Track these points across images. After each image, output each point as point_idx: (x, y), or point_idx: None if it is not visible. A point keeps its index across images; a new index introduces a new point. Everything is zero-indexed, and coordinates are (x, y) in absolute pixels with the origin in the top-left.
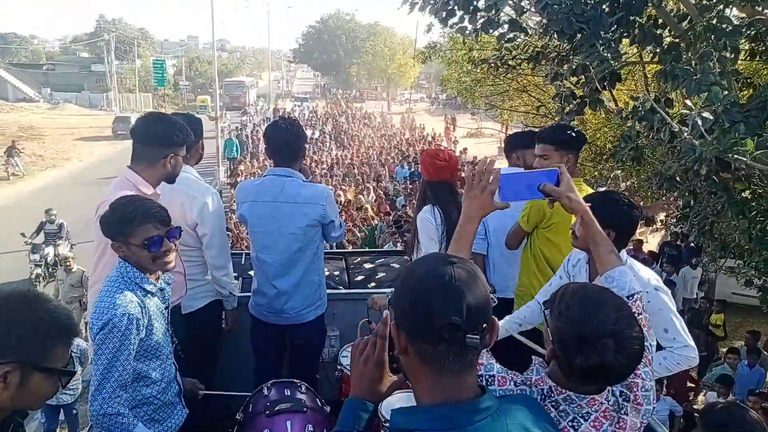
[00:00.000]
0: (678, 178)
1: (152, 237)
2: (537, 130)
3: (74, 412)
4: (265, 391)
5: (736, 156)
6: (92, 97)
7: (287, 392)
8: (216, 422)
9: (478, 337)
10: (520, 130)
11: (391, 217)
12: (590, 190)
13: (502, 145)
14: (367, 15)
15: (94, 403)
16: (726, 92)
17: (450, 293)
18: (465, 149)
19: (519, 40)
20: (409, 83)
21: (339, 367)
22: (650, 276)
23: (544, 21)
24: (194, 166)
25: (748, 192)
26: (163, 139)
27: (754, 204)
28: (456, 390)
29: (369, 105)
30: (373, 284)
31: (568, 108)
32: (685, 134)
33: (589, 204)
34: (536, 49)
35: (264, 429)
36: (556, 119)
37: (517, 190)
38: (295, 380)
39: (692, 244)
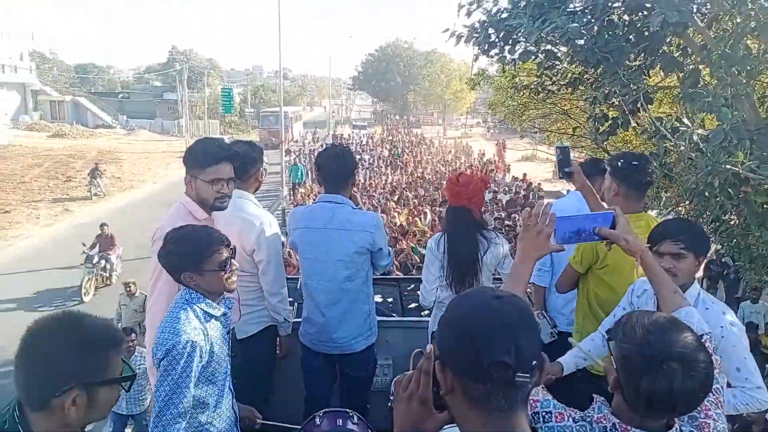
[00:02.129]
0: (707, 194)
1: (226, 258)
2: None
3: (144, 423)
4: (318, 421)
5: (728, 166)
6: (165, 123)
7: (339, 422)
8: None
9: (528, 375)
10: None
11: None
12: (657, 221)
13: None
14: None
15: (155, 429)
16: (735, 113)
17: (498, 330)
18: (525, 175)
19: (558, 66)
20: (464, 109)
21: (391, 397)
22: (725, 311)
23: (556, 51)
24: (254, 192)
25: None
26: (202, 160)
27: None
28: (505, 430)
29: (425, 130)
30: (426, 312)
31: (601, 129)
32: (681, 147)
33: (681, 239)
34: (574, 75)
35: None
36: (590, 140)
37: (572, 233)
38: (347, 410)
39: (732, 274)
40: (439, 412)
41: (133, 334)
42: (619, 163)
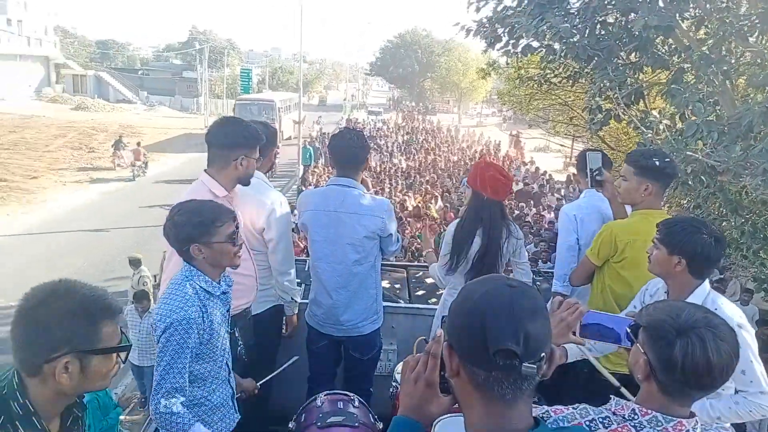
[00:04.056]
0: (690, 182)
1: (234, 231)
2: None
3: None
4: (318, 402)
5: (687, 152)
6: (184, 101)
7: (340, 405)
8: (270, 429)
9: (535, 366)
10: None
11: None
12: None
13: (567, 159)
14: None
15: (152, 401)
16: (709, 107)
17: (507, 318)
18: (537, 168)
19: (559, 61)
20: (480, 98)
21: (394, 383)
22: (734, 312)
23: (556, 46)
24: (267, 173)
25: (740, 192)
26: (233, 141)
27: (745, 202)
28: (508, 420)
29: (440, 118)
30: (434, 300)
31: (596, 119)
32: (648, 135)
33: (659, 230)
34: (574, 69)
35: None
36: (586, 129)
37: (596, 330)
38: (348, 393)
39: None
40: (444, 396)
41: (144, 301)
42: (657, 162)
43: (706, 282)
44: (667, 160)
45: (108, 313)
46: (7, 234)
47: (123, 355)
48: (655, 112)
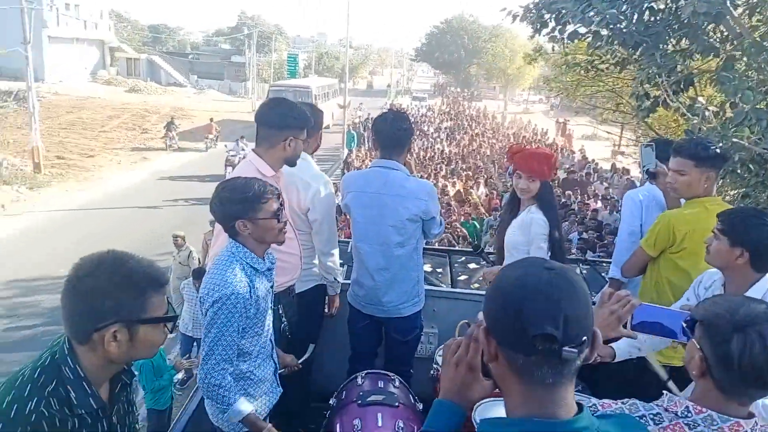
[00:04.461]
0: (738, 171)
1: (278, 208)
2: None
3: None
4: (359, 381)
5: (734, 140)
6: (232, 85)
7: (380, 384)
8: (311, 405)
9: (575, 350)
10: (656, 138)
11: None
12: (725, 205)
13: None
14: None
15: (201, 372)
16: (758, 96)
17: (545, 301)
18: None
19: (606, 47)
20: (527, 84)
21: (435, 366)
22: None
23: (604, 32)
24: (313, 155)
25: None
26: (282, 122)
27: None
28: (549, 405)
29: (486, 104)
30: (476, 285)
31: (643, 106)
32: (694, 121)
33: (721, 220)
34: (622, 56)
35: (355, 418)
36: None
37: (649, 324)
38: (389, 373)
39: None
40: (486, 380)
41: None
42: (716, 150)
43: (767, 276)
44: (720, 144)
45: (155, 283)
46: (66, 209)
47: (170, 325)
48: (702, 99)
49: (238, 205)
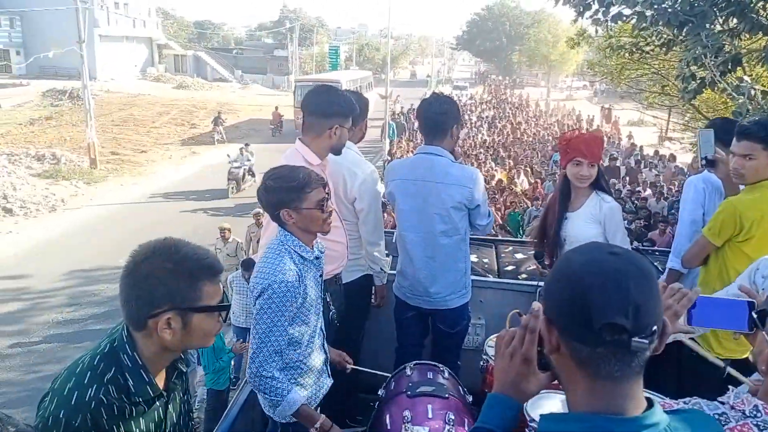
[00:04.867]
0: None
1: (323, 198)
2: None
3: None
4: (408, 372)
5: None
6: (275, 79)
7: (430, 375)
8: (359, 396)
9: (647, 341)
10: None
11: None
12: None
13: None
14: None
15: (252, 364)
16: None
17: (614, 289)
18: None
19: (652, 28)
20: (570, 70)
21: (484, 356)
22: None
23: (649, 13)
24: (357, 143)
25: None
26: (328, 110)
27: None
28: (617, 400)
29: (528, 92)
30: (523, 275)
31: (689, 87)
32: (740, 100)
33: None
34: (668, 37)
35: (405, 409)
36: (679, 99)
37: (711, 317)
38: (438, 364)
39: None
40: (542, 372)
41: (251, 268)
42: None
43: None
44: None
45: (209, 272)
46: (122, 203)
47: (224, 314)
48: (747, 78)
49: (283, 194)
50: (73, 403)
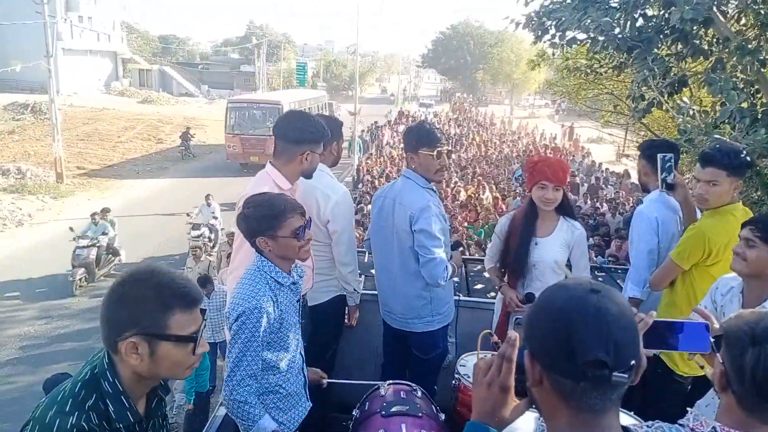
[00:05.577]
0: None
1: (299, 227)
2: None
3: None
4: (382, 391)
5: (716, 136)
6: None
7: (403, 395)
8: (334, 417)
9: (626, 375)
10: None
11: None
12: (750, 213)
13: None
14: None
15: (226, 388)
16: (741, 95)
17: (595, 326)
18: (593, 162)
19: (605, 52)
20: (533, 89)
21: (456, 375)
22: None
23: (600, 38)
24: (332, 166)
25: None
26: (299, 137)
27: None
28: (597, 431)
29: (492, 109)
30: (492, 294)
31: (638, 107)
32: (679, 119)
33: (758, 228)
34: (620, 60)
35: (379, 429)
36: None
37: (666, 340)
38: (411, 384)
39: None
40: (519, 399)
41: (208, 285)
42: (748, 158)
43: None
44: (744, 151)
45: (183, 301)
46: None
47: (191, 346)
48: (686, 99)
49: (259, 223)
50: (54, 430)
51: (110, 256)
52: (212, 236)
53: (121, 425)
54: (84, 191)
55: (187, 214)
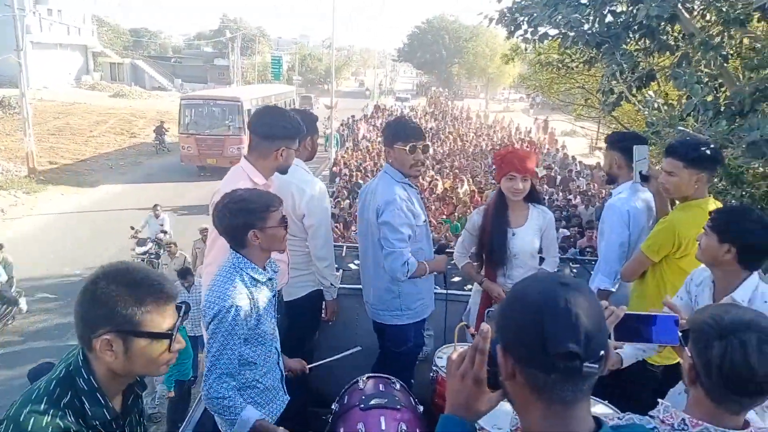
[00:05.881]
0: None
1: (283, 216)
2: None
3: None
4: (361, 385)
5: (680, 128)
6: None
7: (381, 387)
8: (313, 411)
9: (596, 366)
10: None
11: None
12: (719, 205)
13: (593, 143)
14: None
15: (204, 385)
16: (705, 89)
17: (566, 319)
18: (566, 154)
19: (576, 47)
20: (507, 83)
21: (434, 368)
22: None
23: (571, 34)
24: (307, 161)
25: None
26: (274, 133)
27: (746, 177)
28: (569, 422)
29: (468, 103)
30: (469, 287)
31: (608, 100)
32: (645, 111)
33: (711, 217)
34: (591, 55)
35: (358, 422)
36: (599, 111)
37: (637, 332)
38: (390, 377)
39: None
40: (492, 391)
41: (188, 276)
42: (707, 152)
43: (755, 275)
44: (712, 146)
45: (158, 298)
46: (63, 212)
47: (167, 342)
48: (652, 93)
49: (250, 216)
50: (30, 429)
51: (4, 306)
52: (160, 252)
53: (97, 422)
54: (57, 185)
55: (132, 227)
